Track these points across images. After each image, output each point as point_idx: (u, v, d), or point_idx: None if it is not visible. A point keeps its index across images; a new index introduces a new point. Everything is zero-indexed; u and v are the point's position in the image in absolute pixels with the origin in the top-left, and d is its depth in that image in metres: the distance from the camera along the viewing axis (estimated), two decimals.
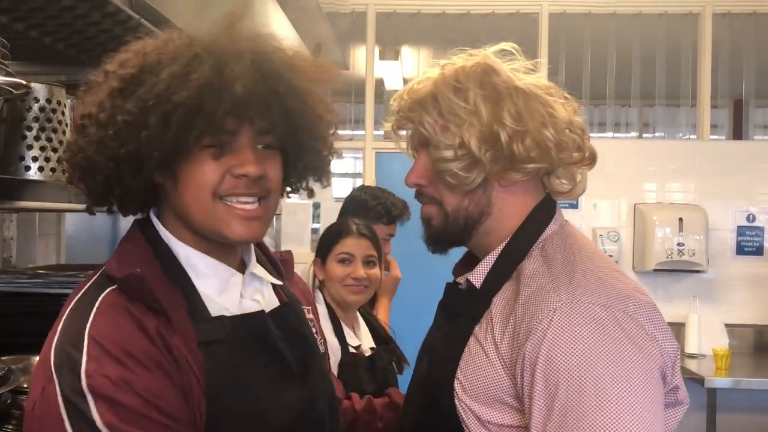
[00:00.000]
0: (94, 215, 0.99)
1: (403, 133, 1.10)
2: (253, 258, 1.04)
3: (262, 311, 0.99)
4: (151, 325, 0.87)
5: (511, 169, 1.00)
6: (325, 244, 1.94)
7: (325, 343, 1.24)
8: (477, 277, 1.04)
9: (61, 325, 0.87)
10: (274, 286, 1.07)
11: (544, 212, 1.05)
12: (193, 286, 0.94)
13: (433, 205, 1.07)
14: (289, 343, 1.00)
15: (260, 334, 0.97)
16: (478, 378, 0.97)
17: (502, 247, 1.04)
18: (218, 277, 0.97)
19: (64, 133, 1.06)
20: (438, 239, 1.08)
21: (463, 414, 0.97)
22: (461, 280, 1.08)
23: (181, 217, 0.94)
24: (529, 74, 1.05)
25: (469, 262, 1.10)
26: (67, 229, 2.32)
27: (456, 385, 0.99)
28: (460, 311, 1.05)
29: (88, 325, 0.85)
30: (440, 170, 1.02)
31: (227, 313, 0.95)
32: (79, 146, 0.89)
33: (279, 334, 0.99)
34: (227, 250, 0.98)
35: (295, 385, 0.98)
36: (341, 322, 1.88)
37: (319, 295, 1.91)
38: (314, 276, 1.98)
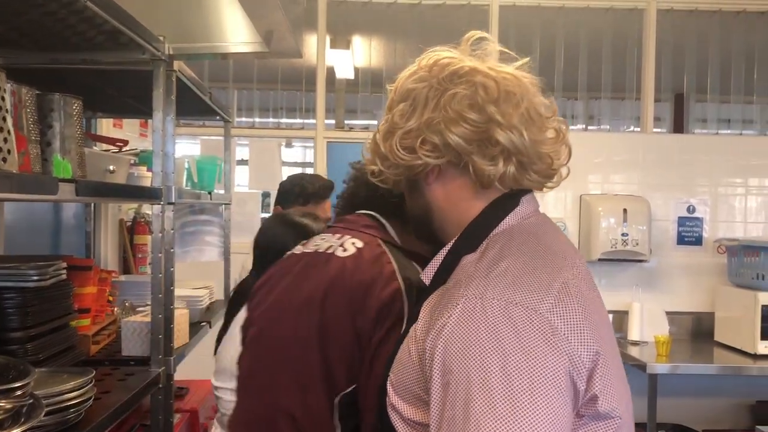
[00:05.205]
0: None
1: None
2: None
3: None
4: None
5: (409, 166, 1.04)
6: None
7: None
8: (427, 274, 1.03)
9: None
10: None
11: (500, 207, 1.02)
12: None
13: None
14: None
15: None
16: (403, 373, 0.95)
17: (451, 243, 1.02)
18: None
19: (4, 119, 1.00)
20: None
21: (390, 411, 0.96)
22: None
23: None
24: (499, 63, 1.08)
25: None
26: (6, 219, 2.23)
27: (388, 383, 0.98)
28: (415, 310, 1.03)
29: None
30: None
31: None
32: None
33: None
34: None
35: None
36: None
37: None
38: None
